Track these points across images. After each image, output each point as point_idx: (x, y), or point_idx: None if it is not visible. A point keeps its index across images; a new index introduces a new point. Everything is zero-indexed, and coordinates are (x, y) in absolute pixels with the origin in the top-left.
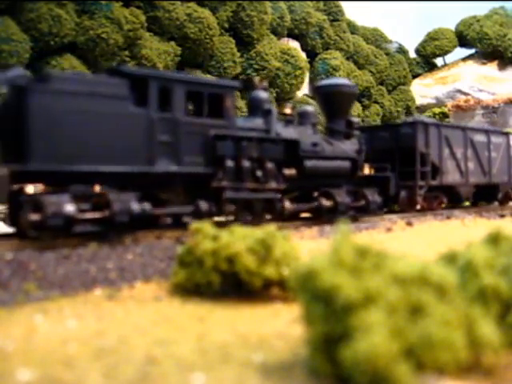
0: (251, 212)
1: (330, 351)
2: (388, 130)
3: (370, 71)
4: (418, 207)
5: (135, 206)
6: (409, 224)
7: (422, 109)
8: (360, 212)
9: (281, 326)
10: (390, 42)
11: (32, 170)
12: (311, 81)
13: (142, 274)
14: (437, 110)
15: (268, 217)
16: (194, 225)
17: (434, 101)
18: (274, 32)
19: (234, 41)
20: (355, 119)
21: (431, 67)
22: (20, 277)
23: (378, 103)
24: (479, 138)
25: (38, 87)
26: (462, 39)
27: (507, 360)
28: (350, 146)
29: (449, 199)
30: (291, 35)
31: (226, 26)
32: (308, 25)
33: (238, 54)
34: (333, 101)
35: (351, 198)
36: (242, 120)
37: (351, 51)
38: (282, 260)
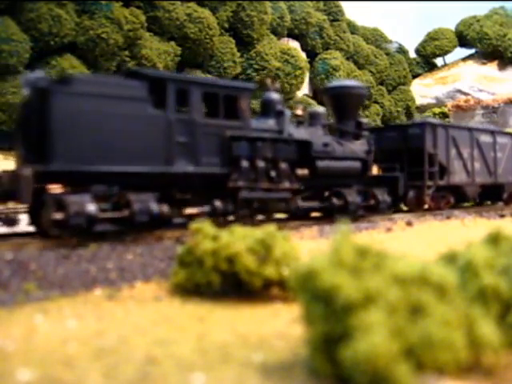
0: (265, 211)
1: (329, 351)
2: (396, 131)
3: (370, 71)
4: (426, 207)
5: (154, 206)
6: (409, 224)
7: (421, 109)
8: (370, 211)
9: (281, 326)
10: (390, 41)
11: (54, 170)
12: (311, 81)
13: (142, 274)
14: (437, 110)
15: (281, 216)
16: (194, 225)
17: (433, 101)
18: (274, 32)
19: (233, 41)
20: (364, 120)
21: (431, 67)
22: (20, 277)
23: (377, 103)
24: (485, 138)
25: (60, 89)
26: (462, 39)
27: (507, 360)
28: (359, 147)
29: (455, 199)
30: (291, 35)
31: (226, 25)
32: (308, 25)
33: (238, 54)
34: (342, 102)
35: (361, 197)
36: (255, 121)
37: (351, 51)
38: (281, 260)
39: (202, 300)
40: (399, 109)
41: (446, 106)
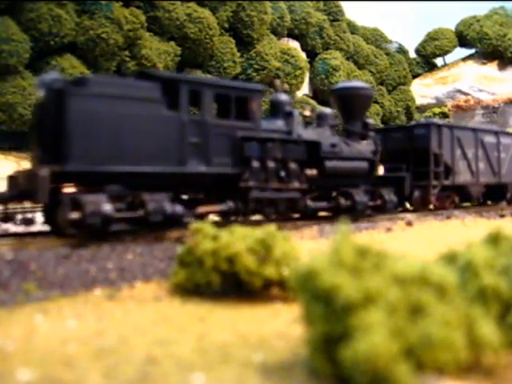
0: (275, 211)
1: (330, 351)
2: (402, 131)
3: (370, 71)
4: (431, 206)
5: (168, 206)
6: (409, 224)
7: (421, 109)
8: (377, 211)
9: (281, 326)
10: (390, 41)
11: (71, 170)
12: (311, 81)
13: (142, 274)
14: (437, 110)
15: (291, 215)
16: (194, 225)
17: (433, 101)
18: (274, 32)
19: (233, 41)
20: (371, 121)
21: (431, 67)
22: (20, 277)
23: (377, 103)
24: (489, 138)
25: (76, 90)
26: (462, 39)
27: (507, 360)
28: (366, 147)
29: (460, 199)
30: (291, 35)
31: (226, 26)
32: (308, 25)
33: (238, 54)
34: (350, 103)
35: (369, 197)
36: (265, 122)
37: (351, 51)
38: (281, 260)
39: (201, 300)
40: (399, 109)
41: (445, 105)
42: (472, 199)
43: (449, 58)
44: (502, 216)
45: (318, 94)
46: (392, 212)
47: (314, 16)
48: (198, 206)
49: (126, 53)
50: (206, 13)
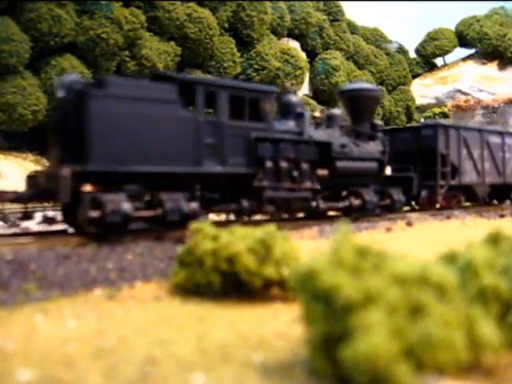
0: (288, 210)
1: (330, 351)
2: (409, 132)
3: (370, 71)
4: (438, 206)
5: (185, 206)
6: (409, 224)
7: (421, 109)
8: (386, 210)
9: (281, 326)
10: (390, 41)
11: (91, 170)
12: (311, 81)
13: (142, 274)
14: (437, 110)
15: (303, 215)
16: (194, 225)
17: (434, 101)
18: (274, 32)
19: (233, 41)
20: (379, 122)
21: (431, 67)
22: (20, 277)
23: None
24: (494, 139)
25: (96, 92)
26: (462, 39)
27: (507, 360)
28: (374, 148)
29: (466, 198)
30: (291, 35)
31: (226, 26)
32: (308, 25)
33: (238, 54)
34: (358, 104)
35: (378, 196)
36: (277, 123)
37: (351, 51)
38: (281, 260)
39: (202, 300)
40: (399, 109)
41: (445, 105)
42: (478, 199)
43: (449, 57)
44: (502, 216)
45: (317, 94)
46: (401, 211)
47: (314, 16)
48: (214, 205)
49: (126, 53)
50: (206, 13)
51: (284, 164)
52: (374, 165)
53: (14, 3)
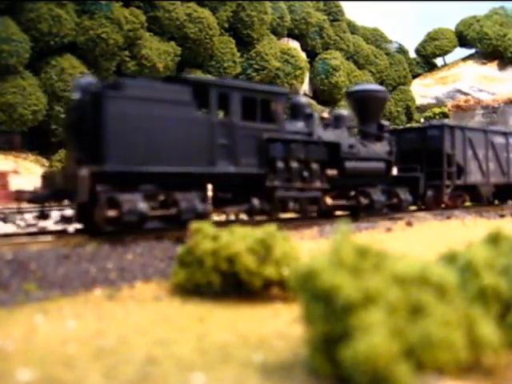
0: (298, 210)
1: (330, 351)
2: (415, 133)
3: (370, 71)
4: (443, 205)
5: (199, 205)
6: (409, 224)
7: (421, 109)
8: (393, 210)
9: (281, 326)
10: (390, 41)
11: (108, 170)
12: (311, 81)
13: (142, 274)
14: (437, 110)
15: (313, 214)
16: (194, 225)
17: (434, 101)
18: (274, 32)
19: (233, 41)
20: (386, 122)
21: (431, 67)
22: (20, 277)
23: None
24: (498, 139)
25: (113, 94)
26: (462, 39)
27: (507, 360)
28: (381, 148)
29: (471, 198)
30: (291, 35)
31: (226, 25)
32: (308, 25)
33: (238, 54)
34: (366, 105)
35: (385, 196)
36: (287, 123)
37: (351, 51)
38: (281, 260)
39: (202, 300)
40: (399, 109)
41: (445, 105)
42: (482, 199)
43: (449, 57)
44: (502, 216)
45: (317, 94)
46: (407, 210)
47: (314, 16)
48: (226, 204)
49: (126, 53)
50: (206, 13)
51: (295, 164)
52: (381, 165)
53: (14, 3)
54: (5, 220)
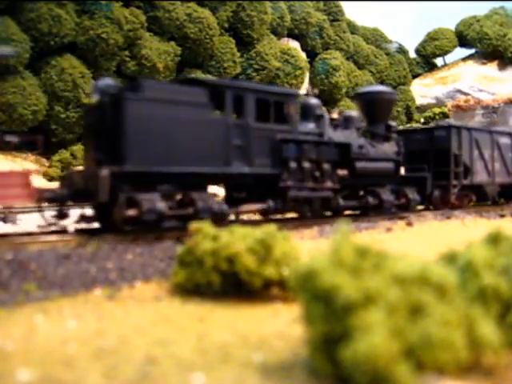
0: (310, 209)
1: (330, 351)
2: (422, 133)
3: (370, 71)
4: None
5: (215, 204)
6: (409, 224)
7: (421, 109)
8: (401, 209)
9: (281, 326)
10: (390, 42)
11: (128, 171)
12: (311, 81)
13: (142, 274)
14: (437, 110)
15: (325, 213)
16: (194, 225)
17: (434, 101)
18: (274, 32)
19: (233, 41)
20: (393, 123)
21: (431, 67)
22: (20, 277)
23: None
24: (504, 140)
25: (133, 95)
26: (462, 39)
27: (507, 360)
28: (389, 148)
29: (476, 198)
30: (291, 35)
31: (226, 25)
32: (308, 25)
33: (238, 54)
34: (375, 106)
35: (394, 196)
36: (299, 125)
37: (351, 51)
38: (282, 260)
39: (202, 300)
40: (399, 109)
41: (446, 105)
42: (488, 198)
43: (449, 57)
44: (502, 216)
45: (318, 94)
46: (414, 210)
47: (314, 16)
48: (241, 204)
49: (126, 53)
50: (206, 13)
51: (307, 164)
52: (390, 165)
53: (13, 3)
54: (5, 220)
